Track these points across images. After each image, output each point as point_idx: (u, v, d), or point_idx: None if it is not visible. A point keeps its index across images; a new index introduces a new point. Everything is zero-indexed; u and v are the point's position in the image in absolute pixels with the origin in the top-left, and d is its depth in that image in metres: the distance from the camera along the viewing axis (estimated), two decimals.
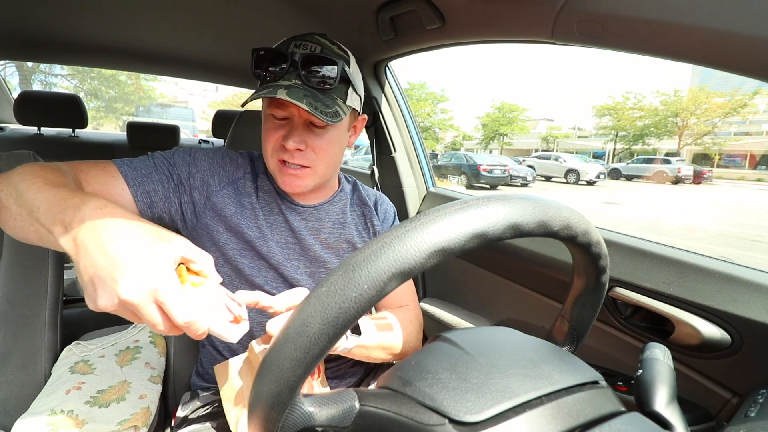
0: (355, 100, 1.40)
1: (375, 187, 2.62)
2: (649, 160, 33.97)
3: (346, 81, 1.35)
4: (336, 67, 1.29)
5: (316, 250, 1.48)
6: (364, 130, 2.66)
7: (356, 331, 1.19)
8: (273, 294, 1.37)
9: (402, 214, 2.58)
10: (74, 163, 1.21)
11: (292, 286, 1.44)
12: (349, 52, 1.40)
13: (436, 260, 0.55)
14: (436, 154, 33.23)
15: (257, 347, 1.05)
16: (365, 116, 1.53)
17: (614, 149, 48.37)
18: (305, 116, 1.32)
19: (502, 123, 48.87)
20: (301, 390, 0.59)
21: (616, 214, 17.97)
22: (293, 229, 1.47)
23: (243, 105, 1.34)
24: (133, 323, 1.71)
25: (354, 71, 1.39)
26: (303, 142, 1.33)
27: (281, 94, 1.22)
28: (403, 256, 0.54)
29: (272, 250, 1.43)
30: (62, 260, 1.54)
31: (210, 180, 1.41)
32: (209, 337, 1.50)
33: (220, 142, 4.52)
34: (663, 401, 0.66)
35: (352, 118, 1.47)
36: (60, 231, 0.85)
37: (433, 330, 2.36)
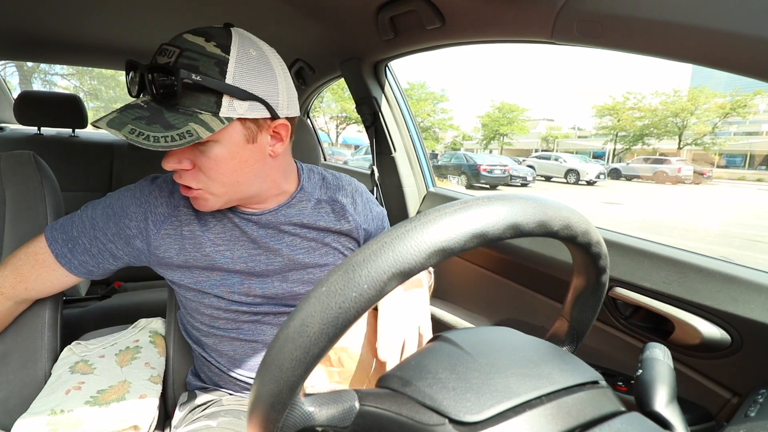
0: (241, 108, 1.13)
1: (375, 187, 2.62)
2: (650, 161, 33.94)
3: (209, 90, 1.09)
4: (177, 77, 1.05)
5: (285, 253, 1.39)
6: (364, 130, 2.67)
7: None
8: (252, 301, 1.39)
9: (402, 214, 2.60)
10: (8, 264, 1.29)
11: (263, 281, 1.38)
12: (235, 50, 1.12)
13: (436, 260, 0.55)
14: (436, 154, 33.24)
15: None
16: (286, 122, 1.24)
17: (614, 149, 48.38)
18: None
19: (502, 123, 48.87)
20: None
21: (616, 214, 17.97)
22: (254, 240, 1.36)
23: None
24: (132, 323, 1.73)
25: (241, 73, 1.12)
26: (185, 160, 1.17)
27: (102, 122, 1.05)
28: (403, 256, 0.54)
29: (236, 266, 1.34)
30: None
31: (144, 224, 1.31)
32: (194, 340, 1.50)
33: None
34: (663, 401, 0.66)
35: (251, 128, 1.18)
36: None
37: (433, 330, 2.37)
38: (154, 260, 1.34)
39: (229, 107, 1.10)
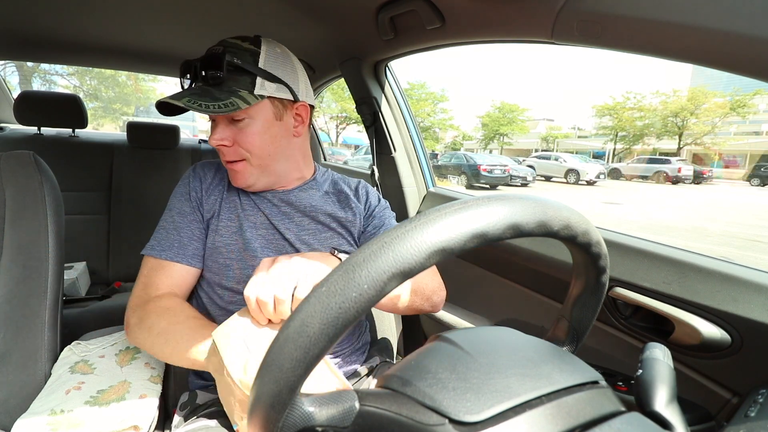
0: (270, 88, 1.44)
1: (375, 187, 2.62)
2: (650, 161, 33.93)
3: (246, 72, 1.40)
4: (221, 61, 1.37)
5: (292, 235, 1.56)
6: (364, 130, 2.67)
7: None
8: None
9: (402, 214, 2.61)
10: (141, 286, 1.46)
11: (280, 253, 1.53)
12: (265, 46, 1.46)
13: (436, 260, 0.55)
14: (436, 154, 33.26)
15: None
16: (306, 104, 1.55)
17: (614, 149, 48.38)
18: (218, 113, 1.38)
19: (502, 123, 48.90)
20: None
21: (616, 214, 17.96)
22: (267, 215, 1.56)
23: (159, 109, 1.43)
24: None
25: (269, 62, 1.45)
26: (225, 138, 1.44)
27: (166, 98, 1.34)
28: (403, 256, 0.54)
29: (251, 236, 1.52)
30: (62, 260, 1.54)
31: (200, 194, 1.57)
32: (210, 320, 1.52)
33: None
34: (663, 401, 0.66)
35: (278, 107, 1.49)
36: None
37: (433, 330, 2.36)
38: (207, 222, 1.56)
39: (261, 87, 1.41)
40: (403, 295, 1.44)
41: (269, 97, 1.44)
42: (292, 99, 1.50)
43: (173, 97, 1.33)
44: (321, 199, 1.64)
